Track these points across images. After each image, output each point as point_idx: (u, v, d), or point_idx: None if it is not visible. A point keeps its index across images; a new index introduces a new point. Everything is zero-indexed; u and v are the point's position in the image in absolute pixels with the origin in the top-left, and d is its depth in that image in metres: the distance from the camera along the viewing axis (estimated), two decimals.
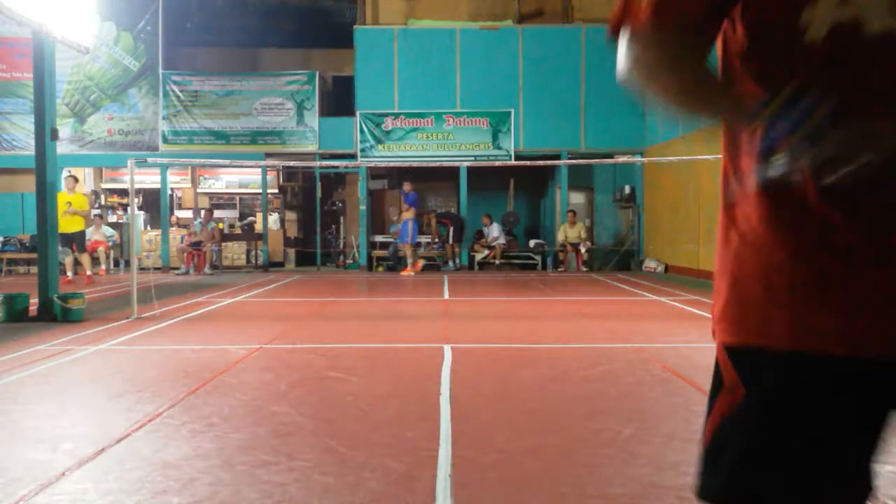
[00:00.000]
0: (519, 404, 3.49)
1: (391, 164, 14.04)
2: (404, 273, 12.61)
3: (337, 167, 14.96)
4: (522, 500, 2.24)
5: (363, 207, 14.22)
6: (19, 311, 6.68)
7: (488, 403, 3.50)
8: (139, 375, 4.13)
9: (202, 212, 14.28)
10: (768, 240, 0.94)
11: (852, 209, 0.87)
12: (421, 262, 12.90)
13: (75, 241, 11.03)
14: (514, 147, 13.89)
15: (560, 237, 13.88)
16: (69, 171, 12.63)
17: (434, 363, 4.45)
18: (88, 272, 11.26)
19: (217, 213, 15.80)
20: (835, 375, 0.91)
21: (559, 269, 13.77)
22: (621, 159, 13.20)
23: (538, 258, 14.30)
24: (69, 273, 11.06)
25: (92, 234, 13.37)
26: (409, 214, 12.59)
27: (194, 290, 9.59)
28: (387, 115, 13.96)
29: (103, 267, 13.27)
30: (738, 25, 0.98)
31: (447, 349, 4.91)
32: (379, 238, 14.45)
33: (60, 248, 9.33)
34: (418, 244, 13.25)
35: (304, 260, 15.21)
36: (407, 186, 12.87)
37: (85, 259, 11.30)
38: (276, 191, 15.92)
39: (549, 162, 9.46)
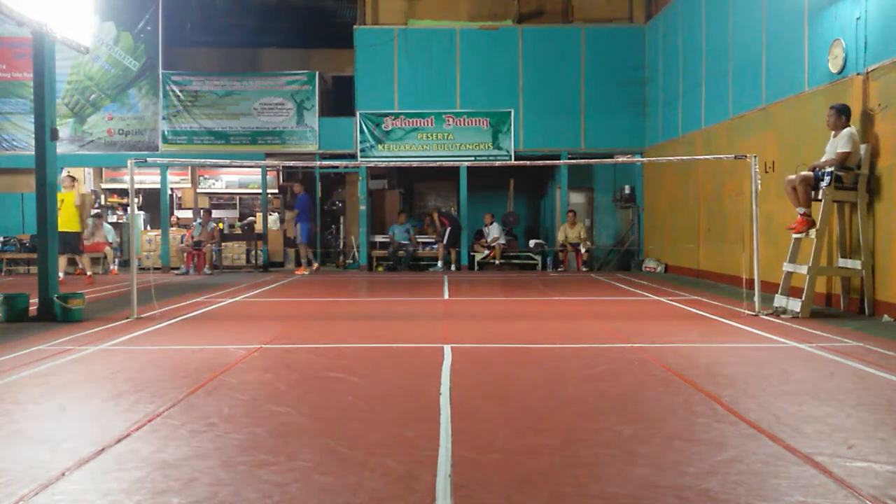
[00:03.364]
0: (519, 404, 3.48)
1: (391, 164, 14.05)
2: (298, 272, 12.87)
3: (337, 167, 14.97)
4: (522, 500, 2.24)
5: (363, 207, 14.22)
6: (19, 311, 6.69)
7: (488, 403, 3.50)
8: (139, 375, 4.13)
9: (201, 212, 14.28)
10: None
11: None
12: (312, 267, 13.16)
13: (69, 241, 11.01)
14: (514, 147, 13.89)
15: (560, 237, 13.89)
16: (67, 171, 12.66)
17: (434, 363, 4.45)
18: (89, 272, 11.27)
19: (217, 213, 15.82)
20: None
21: (559, 270, 13.77)
22: (621, 159, 13.19)
23: (538, 258, 14.30)
24: (60, 273, 11.06)
25: (94, 235, 13.40)
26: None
27: (194, 290, 9.59)
28: (387, 115, 13.96)
29: (113, 267, 13.30)
30: None
31: (447, 349, 4.91)
32: (379, 238, 14.45)
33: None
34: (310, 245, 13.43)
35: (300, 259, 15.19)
36: (297, 188, 13.33)
37: (85, 260, 11.31)
38: (276, 191, 15.93)
39: (549, 162, 9.46)
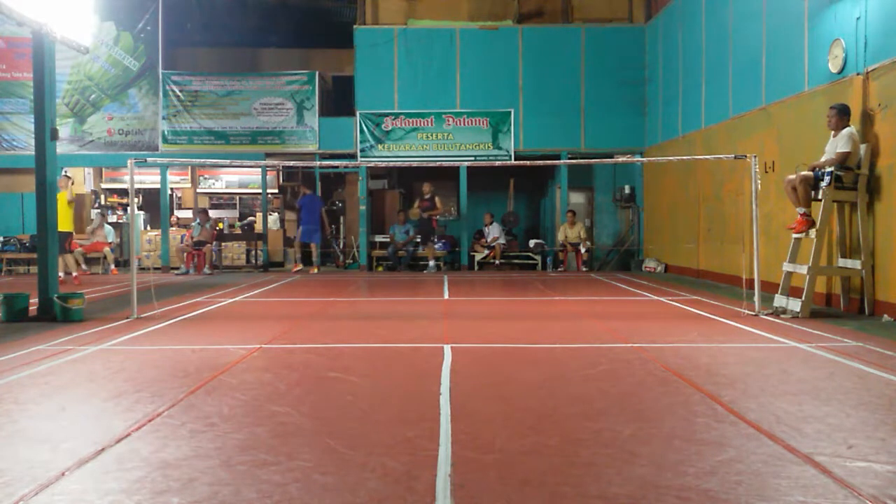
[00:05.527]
0: (519, 404, 3.48)
1: (391, 164, 14.04)
2: (294, 270, 13.44)
3: (337, 167, 14.97)
4: (522, 500, 2.24)
5: (363, 207, 14.22)
6: (19, 311, 6.69)
7: (488, 403, 3.50)
8: (139, 375, 4.13)
9: (199, 213, 14.26)
10: None
11: None
12: (295, 266, 13.67)
13: (59, 241, 10.93)
14: (514, 147, 13.89)
15: (560, 237, 13.89)
16: (63, 171, 12.65)
17: (434, 363, 4.45)
18: (75, 273, 11.20)
19: (217, 213, 15.82)
20: None
21: (559, 269, 13.77)
22: (621, 159, 13.20)
23: (538, 258, 14.30)
24: (60, 273, 11.02)
25: (94, 235, 13.41)
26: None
27: (194, 290, 9.59)
28: (387, 115, 13.96)
29: (113, 267, 13.29)
30: None
31: (447, 349, 4.91)
32: (379, 238, 14.45)
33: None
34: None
35: (305, 260, 15.22)
36: (304, 189, 13.96)
37: (69, 259, 11.22)
38: (276, 191, 15.93)
39: (549, 162, 9.43)
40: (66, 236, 11.22)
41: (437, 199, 13.80)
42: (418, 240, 14.26)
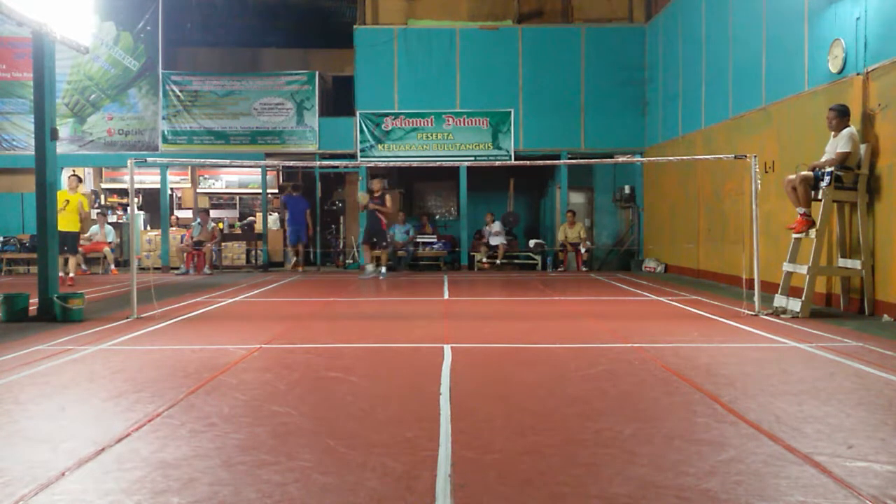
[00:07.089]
0: (519, 404, 3.48)
1: (391, 164, 14.05)
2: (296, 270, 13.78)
3: (337, 167, 14.96)
4: (522, 500, 2.24)
5: None
6: (19, 311, 6.69)
7: (488, 403, 3.50)
8: (139, 375, 4.13)
9: (200, 212, 14.27)
10: None
11: None
12: (297, 267, 13.93)
13: (67, 241, 10.93)
14: (514, 147, 13.89)
15: (560, 237, 13.89)
16: (73, 171, 12.67)
17: (434, 363, 4.45)
18: (72, 273, 11.18)
19: (217, 213, 15.82)
20: None
21: (559, 269, 13.76)
22: (621, 159, 13.19)
23: (538, 258, 14.30)
24: (70, 272, 11.00)
25: (94, 235, 13.42)
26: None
27: (194, 290, 9.59)
28: (387, 115, 13.97)
29: (113, 267, 13.30)
30: None
31: (447, 349, 4.91)
32: None
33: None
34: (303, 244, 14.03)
35: (304, 260, 15.20)
36: (290, 189, 14.26)
37: (72, 262, 11.21)
38: (276, 191, 15.93)
39: (549, 162, 9.44)
40: (76, 236, 11.22)
41: (387, 197, 12.01)
42: (418, 240, 14.26)
